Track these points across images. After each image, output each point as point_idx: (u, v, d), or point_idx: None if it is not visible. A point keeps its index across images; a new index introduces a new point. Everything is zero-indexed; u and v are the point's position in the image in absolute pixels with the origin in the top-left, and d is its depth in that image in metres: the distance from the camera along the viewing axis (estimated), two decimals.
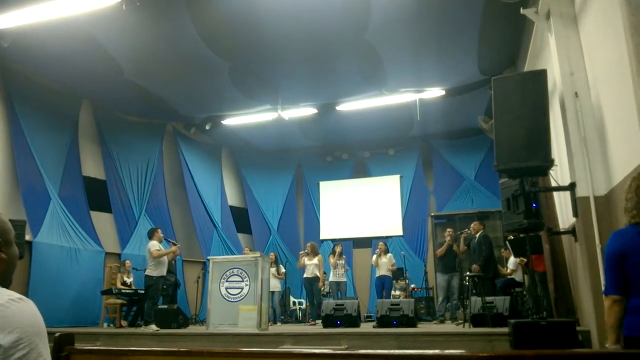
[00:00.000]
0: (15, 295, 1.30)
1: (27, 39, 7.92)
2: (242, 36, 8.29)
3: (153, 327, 7.60)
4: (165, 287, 9.56)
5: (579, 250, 5.02)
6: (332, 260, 9.90)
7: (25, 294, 8.24)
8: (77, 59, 8.73)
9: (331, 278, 9.90)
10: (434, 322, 9.29)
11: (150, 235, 8.47)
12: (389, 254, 10.27)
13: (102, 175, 10.87)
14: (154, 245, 8.16)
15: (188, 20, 7.84)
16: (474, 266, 8.27)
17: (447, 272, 8.92)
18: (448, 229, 9.53)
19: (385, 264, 9.97)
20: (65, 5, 6.87)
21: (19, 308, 1.27)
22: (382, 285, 9.98)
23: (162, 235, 8.57)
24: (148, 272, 8.12)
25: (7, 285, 1.41)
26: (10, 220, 1.50)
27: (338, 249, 10.02)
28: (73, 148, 10.24)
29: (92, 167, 10.74)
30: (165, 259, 8.33)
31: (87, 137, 10.71)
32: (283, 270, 11.04)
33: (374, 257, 10.24)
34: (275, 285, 10.53)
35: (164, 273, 8.31)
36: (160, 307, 8.45)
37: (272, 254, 11.19)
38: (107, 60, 8.80)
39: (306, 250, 9.85)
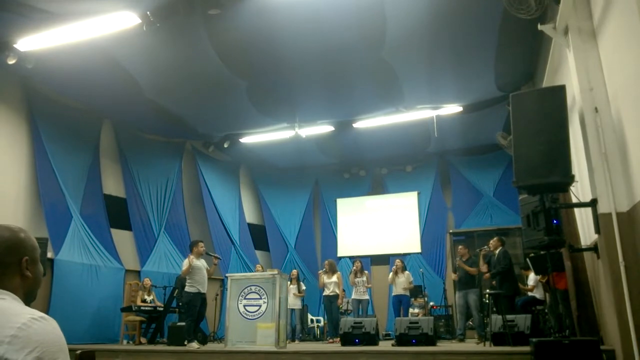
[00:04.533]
0: (37, 314, 1.30)
1: (50, 60, 8.13)
2: (259, 55, 8.41)
3: (194, 345, 7.45)
4: (181, 304, 9.48)
5: (602, 267, 4.92)
6: (350, 278, 9.83)
7: (47, 311, 8.34)
8: (99, 79, 8.92)
9: (353, 295, 9.83)
10: (454, 340, 9.15)
11: (190, 247, 8.23)
12: (407, 272, 9.95)
13: (123, 193, 11.01)
14: (184, 264, 8.00)
15: (206, 41, 7.98)
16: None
17: (462, 288, 8.78)
18: (459, 247, 9.35)
19: (402, 282, 9.66)
20: (87, 27, 7.06)
21: (41, 327, 1.27)
22: (400, 304, 9.67)
23: (202, 249, 8.15)
24: (186, 288, 8.01)
25: (31, 301, 1.43)
26: None
27: (356, 266, 9.92)
28: (94, 166, 10.39)
29: (112, 185, 10.88)
30: (204, 274, 8.05)
31: (108, 156, 10.87)
32: (303, 287, 10.99)
33: (391, 275, 9.99)
34: (296, 302, 10.49)
35: (201, 289, 7.98)
36: (177, 324, 8.40)
37: (294, 270, 11.16)
38: (128, 80, 8.97)
39: (324, 269, 9.81)
